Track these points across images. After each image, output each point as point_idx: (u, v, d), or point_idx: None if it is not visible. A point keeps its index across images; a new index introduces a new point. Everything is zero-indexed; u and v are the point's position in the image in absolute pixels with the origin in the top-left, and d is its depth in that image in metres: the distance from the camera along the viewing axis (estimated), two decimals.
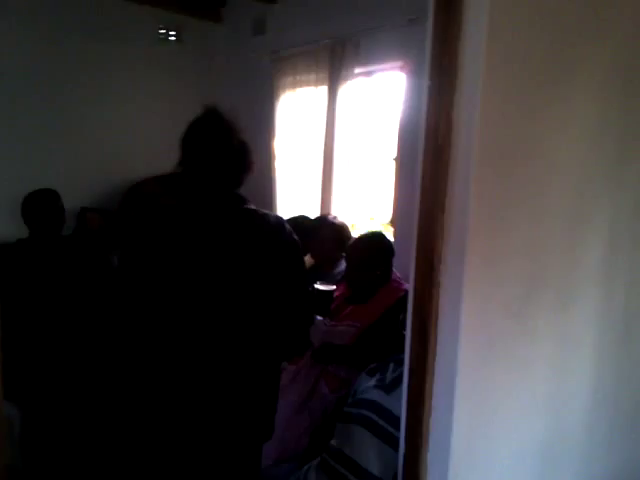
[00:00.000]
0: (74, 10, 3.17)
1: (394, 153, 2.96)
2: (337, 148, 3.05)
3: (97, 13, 3.27)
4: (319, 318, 2.37)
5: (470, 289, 1.10)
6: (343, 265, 2.48)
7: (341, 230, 2.72)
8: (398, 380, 1.34)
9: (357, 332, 2.13)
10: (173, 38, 3.63)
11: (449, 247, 1.11)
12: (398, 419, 1.24)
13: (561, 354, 1.36)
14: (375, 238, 2.34)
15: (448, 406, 1.13)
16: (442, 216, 1.12)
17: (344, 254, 2.42)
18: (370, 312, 2.15)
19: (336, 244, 2.64)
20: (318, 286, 2.26)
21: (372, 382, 1.51)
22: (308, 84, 3.21)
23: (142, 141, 3.50)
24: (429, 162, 1.14)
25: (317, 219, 2.87)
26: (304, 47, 3.13)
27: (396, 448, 1.25)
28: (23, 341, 2.24)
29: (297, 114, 3.31)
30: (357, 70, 2.94)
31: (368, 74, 3.06)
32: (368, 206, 3.52)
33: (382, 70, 3.01)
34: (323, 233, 2.70)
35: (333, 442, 1.44)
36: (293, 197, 3.38)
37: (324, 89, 3.06)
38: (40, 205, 2.45)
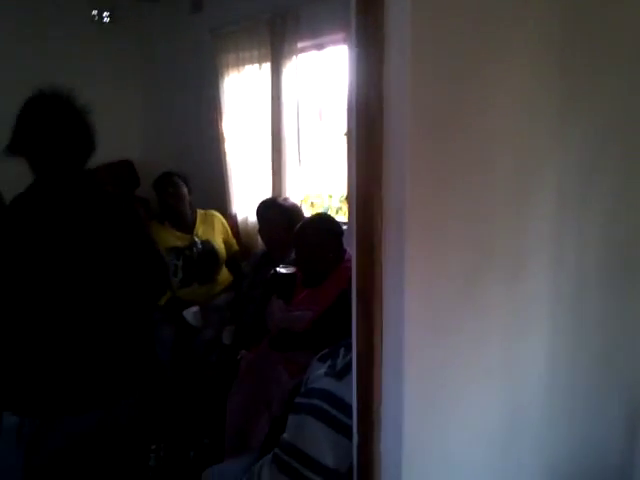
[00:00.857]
0: None
1: (345, 128, 2.88)
2: (286, 126, 2.94)
3: None
4: (276, 304, 2.31)
5: (413, 267, 1.05)
6: None
7: (290, 212, 2.58)
8: (349, 366, 1.28)
9: (314, 316, 2.07)
10: (107, 19, 3.47)
11: (388, 224, 1.05)
12: (351, 407, 1.19)
13: (515, 325, 1.32)
14: (321, 221, 2.27)
15: (398, 391, 1.08)
16: (379, 192, 1.06)
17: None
18: (325, 295, 2.09)
19: (285, 227, 2.49)
20: (280, 269, 2.19)
21: (323, 369, 1.45)
22: (252, 61, 3.07)
23: None
24: (362, 136, 1.07)
25: (266, 201, 2.73)
26: (244, 23, 2.99)
27: (350, 437, 1.20)
28: None
29: (244, 93, 3.17)
30: (300, 44, 2.82)
31: (319, 47, 2.92)
32: (326, 183, 3.44)
33: (329, 43, 2.89)
34: (271, 216, 2.58)
35: (285, 435, 1.38)
36: (246, 179, 3.27)
37: (268, 66, 2.94)
38: None
